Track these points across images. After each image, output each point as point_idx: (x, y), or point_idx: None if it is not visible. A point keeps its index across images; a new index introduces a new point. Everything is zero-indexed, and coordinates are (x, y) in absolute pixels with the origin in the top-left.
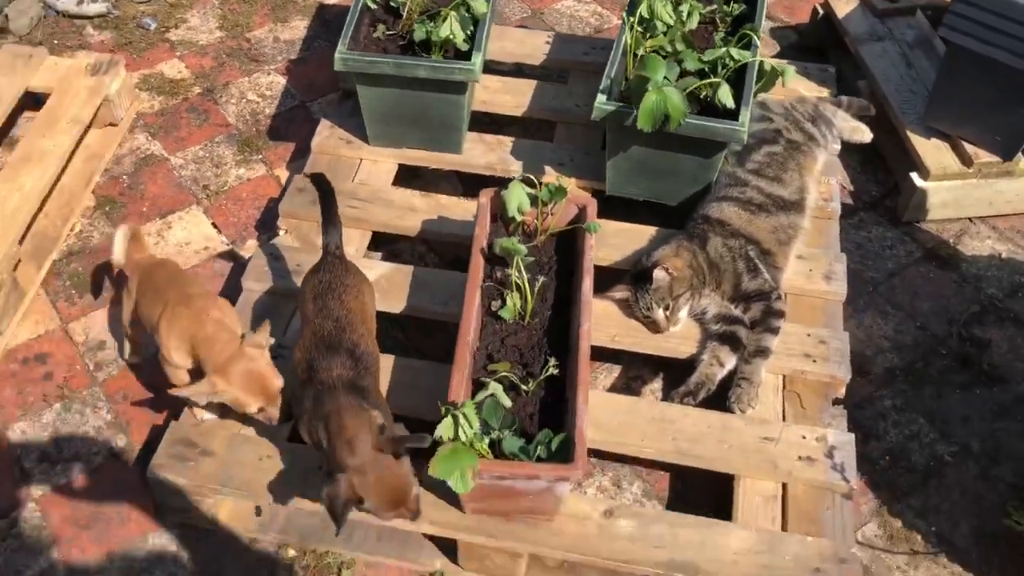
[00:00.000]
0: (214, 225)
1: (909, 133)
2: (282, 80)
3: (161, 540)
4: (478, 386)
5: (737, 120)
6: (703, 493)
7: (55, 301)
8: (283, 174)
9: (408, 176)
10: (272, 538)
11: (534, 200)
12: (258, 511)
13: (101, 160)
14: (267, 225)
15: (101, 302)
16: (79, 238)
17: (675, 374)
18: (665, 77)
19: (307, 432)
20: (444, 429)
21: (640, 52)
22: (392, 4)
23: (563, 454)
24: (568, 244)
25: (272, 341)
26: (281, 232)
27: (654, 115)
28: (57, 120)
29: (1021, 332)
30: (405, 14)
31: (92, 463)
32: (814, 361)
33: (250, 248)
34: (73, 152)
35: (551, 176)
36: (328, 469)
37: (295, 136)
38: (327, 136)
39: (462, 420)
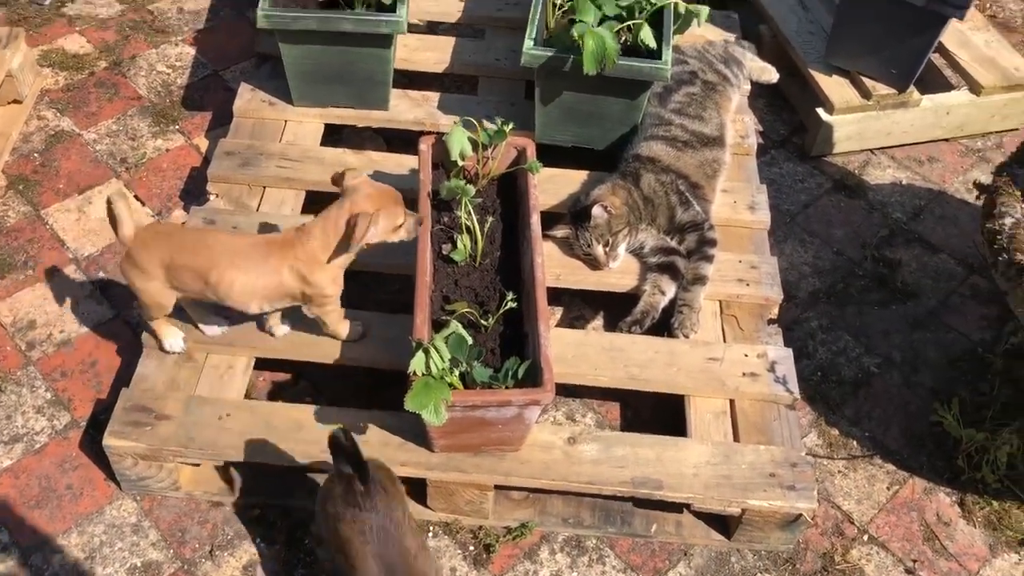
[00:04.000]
0: (137, 198)
1: (812, 71)
2: (191, 50)
3: (119, 512)
4: (438, 327)
5: (660, 59)
6: (652, 419)
7: None
8: (203, 143)
9: (331, 140)
10: (236, 499)
11: (474, 145)
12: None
13: (8, 138)
14: (192, 194)
15: (26, 280)
16: None
17: (614, 311)
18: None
19: None
20: (416, 364)
21: (558, 1)
22: None
23: (529, 381)
24: (508, 188)
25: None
26: (212, 197)
27: (597, 57)
28: None
29: (927, 251)
30: None
31: (35, 443)
32: (747, 285)
33: (177, 218)
34: None
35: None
36: None
37: (211, 105)
38: (249, 99)
39: (433, 353)
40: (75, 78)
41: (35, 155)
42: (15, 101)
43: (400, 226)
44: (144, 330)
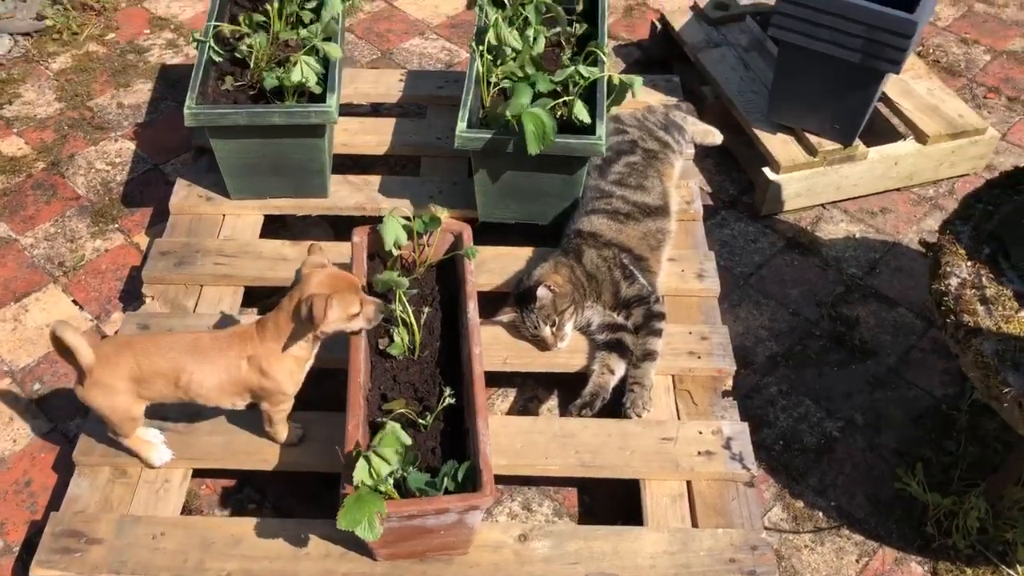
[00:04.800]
0: (75, 302)
1: (756, 131)
2: (131, 145)
3: None
4: (375, 428)
5: (594, 134)
6: (612, 501)
7: None
8: (143, 241)
9: (276, 228)
10: None
11: (410, 233)
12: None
13: None
14: (132, 295)
15: None
16: None
17: (568, 389)
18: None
19: None
20: (359, 474)
21: (493, 79)
22: (238, 55)
23: (470, 483)
24: (448, 274)
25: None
26: (147, 300)
27: (539, 138)
28: None
29: (884, 306)
30: (252, 64)
31: None
32: (699, 357)
33: (116, 321)
34: None
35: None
36: None
37: (151, 200)
38: (185, 196)
39: (375, 459)
40: (12, 181)
41: None
42: None
43: (357, 314)
44: (124, 451)
